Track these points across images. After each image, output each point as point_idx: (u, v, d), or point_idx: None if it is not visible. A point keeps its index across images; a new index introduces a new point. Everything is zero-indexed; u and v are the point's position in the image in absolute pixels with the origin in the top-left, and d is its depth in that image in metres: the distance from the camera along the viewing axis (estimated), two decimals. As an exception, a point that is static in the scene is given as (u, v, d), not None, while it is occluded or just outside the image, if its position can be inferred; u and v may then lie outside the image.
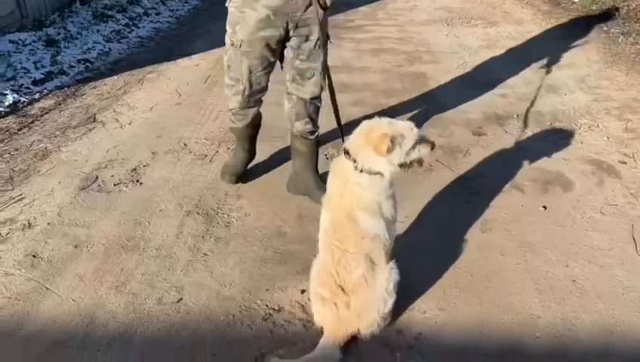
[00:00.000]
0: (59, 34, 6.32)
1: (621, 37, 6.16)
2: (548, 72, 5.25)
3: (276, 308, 2.51)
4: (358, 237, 2.21)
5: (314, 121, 3.29)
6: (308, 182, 3.32)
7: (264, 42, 2.95)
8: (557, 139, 3.96)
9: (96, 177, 3.63)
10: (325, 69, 3.12)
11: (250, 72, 3.06)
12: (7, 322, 2.46)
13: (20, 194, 3.44)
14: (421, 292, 2.55)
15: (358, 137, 2.28)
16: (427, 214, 3.13)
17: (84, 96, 5.04)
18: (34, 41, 5.96)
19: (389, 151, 2.17)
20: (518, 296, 2.51)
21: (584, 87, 4.88)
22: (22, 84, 5.08)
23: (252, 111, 3.31)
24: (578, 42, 6.13)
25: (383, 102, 4.72)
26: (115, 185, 3.53)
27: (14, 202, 3.36)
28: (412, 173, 3.47)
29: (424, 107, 4.60)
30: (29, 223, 3.15)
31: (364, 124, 2.31)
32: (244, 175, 3.53)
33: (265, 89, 3.22)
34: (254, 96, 3.20)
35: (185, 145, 4.05)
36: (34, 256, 2.87)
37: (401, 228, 3.01)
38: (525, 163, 3.64)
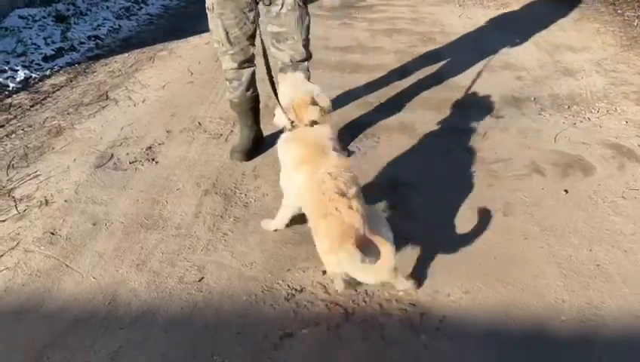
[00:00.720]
0: (68, 10, 6.25)
1: (636, 20, 6.08)
2: (563, 55, 5.19)
3: (298, 288, 2.50)
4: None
5: None
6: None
7: (233, 3, 3.07)
8: (575, 122, 3.92)
9: (112, 155, 3.60)
10: (304, 30, 3.19)
11: (227, 33, 3.17)
12: (29, 299, 2.45)
13: (36, 171, 3.41)
14: (444, 274, 2.53)
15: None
16: (447, 197, 3.10)
17: (95, 74, 4.99)
18: (44, 17, 5.90)
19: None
20: (543, 279, 2.49)
21: (601, 71, 4.82)
22: (32, 60, 5.03)
23: (245, 74, 3.36)
24: (593, 25, 6.05)
25: (396, 83, 4.66)
26: (130, 163, 3.51)
27: (30, 179, 3.34)
28: (429, 155, 3.47)
29: (439, 89, 4.54)
30: (45, 200, 3.13)
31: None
32: (254, 152, 3.55)
33: (248, 48, 3.27)
34: (240, 55, 3.26)
35: (199, 124, 4.01)
36: (52, 234, 2.86)
37: (421, 210, 2.99)
38: (544, 146, 3.61)
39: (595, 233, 2.79)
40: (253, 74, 3.41)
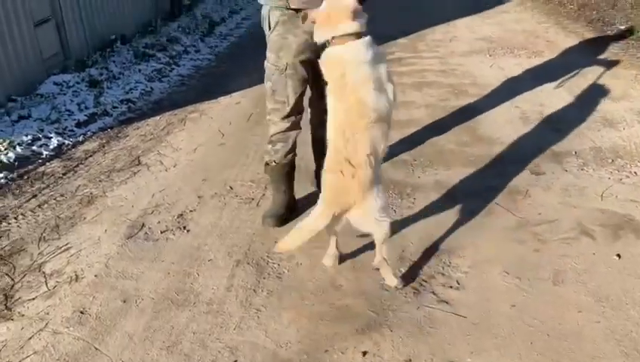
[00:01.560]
0: (101, 74, 6.37)
1: (676, 65, 5.91)
2: (602, 104, 5.03)
3: (337, 371, 2.35)
4: (365, 121, 2.51)
5: None
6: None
7: (304, 64, 3.17)
8: (621, 177, 3.74)
9: (143, 224, 3.54)
10: None
11: (295, 93, 3.24)
12: (56, 387, 2.35)
13: (67, 244, 3.37)
14: (495, 354, 2.36)
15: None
16: (492, 264, 2.94)
17: (127, 138, 5.01)
18: (77, 83, 6.01)
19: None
20: (603, 359, 2.29)
21: (643, 120, 4.65)
22: (66, 127, 5.09)
23: (293, 136, 3.39)
24: (631, 72, 5.90)
25: (430, 139, 4.55)
26: (162, 232, 3.44)
27: (61, 252, 3.29)
28: (470, 216, 3.31)
29: (475, 144, 4.42)
30: (76, 275, 3.07)
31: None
32: (287, 218, 3.46)
33: (303, 110, 3.38)
34: (295, 117, 3.34)
35: (231, 188, 3.95)
36: (82, 313, 2.77)
37: (464, 281, 2.83)
38: (591, 205, 3.43)
39: (655, 304, 2.59)
40: (297, 137, 3.45)
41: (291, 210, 3.52)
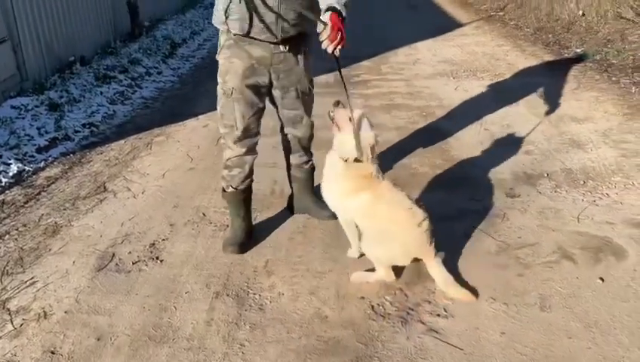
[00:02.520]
0: (61, 97, 6.15)
1: (634, 87, 6.11)
2: (567, 126, 5.14)
3: (330, 409, 2.25)
4: None
5: (307, 151, 3.61)
6: (308, 204, 3.68)
7: (252, 88, 3.14)
8: (594, 199, 3.79)
9: (113, 255, 3.39)
10: (311, 111, 3.45)
11: (243, 118, 3.18)
12: None
13: (32, 278, 3.18)
14: (489, 385, 2.31)
15: None
16: (477, 291, 2.90)
17: (91, 163, 4.83)
18: (36, 106, 5.79)
19: None
20: (598, 387, 2.27)
21: (609, 142, 4.75)
22: (26, 152, 4.87)
23: (249, 161, 3.36)
24: (591, 94, 6.06)
25: (401, 162, 4.54)
26: (133, 263, 3.29)
27: (26, 287, 3.10)
28: (450, 240, 3.28)
29: (446, 167, 4.43)
30: (44, 312, 2.89)
31: None
32: (247, 245, 3.41)
33: (257, 134, 3.34)
34: (249, 141, 3.29)
35: (204, 214, 3.83)
36: (53, 353, 2.60)
37: (451, 308, 2.78)
38: (568, 228, 3.45)
39: (642, 328, 2.59)
40: (253, 162, 3.41)
41: (250, 235, 3.49)
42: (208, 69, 8.30)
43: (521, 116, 5.51)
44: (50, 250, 3.47)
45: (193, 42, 10.06)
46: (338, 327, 2.71)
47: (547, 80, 6.70)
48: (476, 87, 6.69)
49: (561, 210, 3.67)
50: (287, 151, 3.62)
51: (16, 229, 3.72)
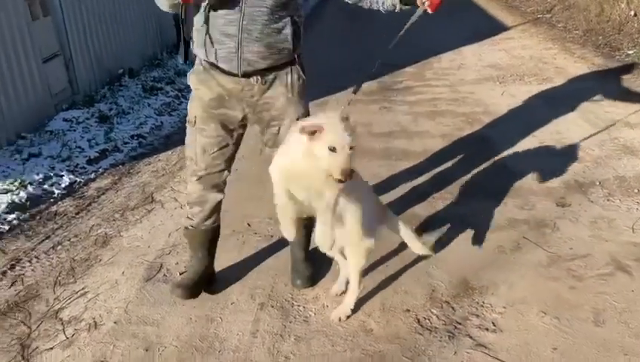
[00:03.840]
0: (111, 109, 6.33)
1: (690, 90, 5.87)
2: (620, 132, 4.97)
3: (376, 425, 2.22)
4: None
5: None
6: (293, 260, 3.22)
7: (218, 121, 2.80)
8: (650, 208, 3.65)
9: (161, 265, 3.44)
10: None
11: (204, 152, 2.84)
12: None
13: (83, 288, 3.26)
14: (541, 403, 2.24)
15: None
16: (528, 304, 2.83)
17: (139, 174, 4.93)
18: (87, 118, 5.96)
19: None
20: (658, 408, 2.17)
21: (665, 148, 4.57)
22: (77, 164, 5.02)
23: (211, 199, 2.97)
24: (644, 97, 5.85)
25: (447, 170, 4.48)
26: (180, 274, 3.33)
27: (77, 297, 3.18)
28: (499, 252, 3.21)
29: (494, 175, 4.34)
30: (95, 322, 2.95)
31: None
32: (200, 289, 3.07)
33: (222, 172, 2.94)
34: (210, 179, 2.92)
35: (249, 225, 3.85)
36: (103, 363, 2.66)
37: (500, 322, 2.71)
38: (622, 238, 3.33)
39: None
40: (219, 202, 3.03)
41: (208, 279, 3.15)
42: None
43: (571, 122, 5.35)
44: (100, 260, 3.55)
45: (237, 52, 10.17)
46: (383, 341, 2.68)
47: (598, 84, 6.51)
48: (523, 92, 6.55)
49: (614, 219, 3.55)
50: None
51: (68, 240, 3.82)
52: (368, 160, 4.86)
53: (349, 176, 2.25)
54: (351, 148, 2.26)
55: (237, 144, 2.95)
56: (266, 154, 2.96)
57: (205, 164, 2.87)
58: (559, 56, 8.17)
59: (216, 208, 3.03)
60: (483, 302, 2.87)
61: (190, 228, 3.05)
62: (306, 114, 2.86)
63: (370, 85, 7.42)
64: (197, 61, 2.81)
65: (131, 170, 5.03)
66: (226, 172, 2.97)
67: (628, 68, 7.03)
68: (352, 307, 2.84)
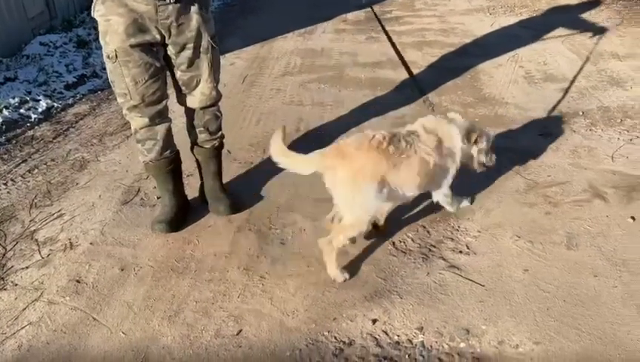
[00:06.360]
0: (89, 34, 6.14)
1: (682, 22, 5.76)
2: (607, 63, 4.90)
3: (346, 341, 2.26)
4: None
5: (210, 130, 3.07)
6: (207, 191, 3.18)
7: (140, 48, 2.65)
8: (631, 138, 3.64)
9: (139, 189, 3.42)
10: (216, 72, 2.93)
11: (136, 83, 2.70)
12: (54, 359, 2.24)
13: (60, 210, 3.24)
14: (510, 320, 2.27)
15: None
16: (503, 228, 2.84)
17: (118, 100, 4.83)
18: (65, 43, 5.79)
19: None
20: (623, 326, 2.21)
21: (651, 79, 4.52)
22: (55, 89, 4.91)
23: (160, 130, 2.89)
24: (635, 29, 5.75)
25: (435, 101, 4.41)
26: (158, 197, 3.31)
27: (54, 219, 3.16)
28: (478, 177, 3.19)
29: (480, 105, 4.29)
30: (70, 243, 2.94)
31: None
32: (181, 222, 3.04)
33: (163, 98, 2.84)
34: (151, 108, 2.81)
35: (229, 151, 3.80)
36: (78, 282, 2.66)
37: (474, 245, 2.73)
38: (602, 166, 3.33)
39: (673, 267, 2.50)
40: (169, 130, 2.94)
41: (184, 211, 3.11)
42: (237, 6, 8.16)
43: (559, 53, 5.27)
44: (77, 184, 3.52)
45: (223, -20, 9.83)
46: (359, 262, 2.69)
47: (589, 15, 6.39)
48: (514, 23, 6.42)
49: (595, 148, 3.54)
50: (188, 130, 3.11)
51: (45, 164, 3.77)
52: (353, 89, 4.79)
53: None
54: None
55: (165, 65, 2.81)
56: (179, 79, 2.86)
57: (141, 96, 2.74)
58: (552, -13, 7.96)
59: (169, 136, 2.96)
60: (458, 227, 2.88)
61: (150, 162, 2.97)
62: (214, 30, 2.83)
63: (357, 15, 7.26)
64: None
65: (110, 96, 4.91)
66: (164, 99, 2.86)
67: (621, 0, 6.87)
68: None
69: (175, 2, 2.60)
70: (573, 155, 3.47)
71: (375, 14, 2.78)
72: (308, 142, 3.85)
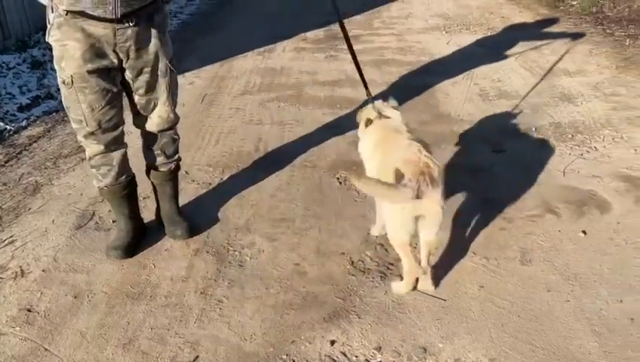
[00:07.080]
0: (44, 55, 6.02)
1: (628, 40, 5.99)
2: (559, 80, 5.05)
3: (305, 363, 2.25)
4: None
5: (166, 153, 3.04)
6: (163, 214, 3.15)
7: (97, 74, 2.60)
8: (582, 153, 3.74)
9: (93, 213, 3.35)
10: (174, 96, 2.91)
11: (93, 110, 2.65)
12: (2, 393, 2.17)
13: (11, 236, 3.15)
14: (465, 337, 2.30)
15: None
16: (458, 244, 2.88)
17: (74, 122, 4.74)
18: (18, 64, 5.67)
19: None
20: (575, 339, 2.26)
21: (600, 95, 4.67)
22: (7, 111, 4.79)
23: (116, 157, 2.85)
24: (585, 47, 5.94)
25: (391, 118, 4.46)
26: (113, 221, 3.24)
27: (4, 245, 3.07)
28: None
29: (435, 122, 4.36)
30: (21, 270, 2.86)
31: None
32: (136, 247, 2.99)
33: (119, 125, 2.80)
34: (107, 135, 2.76)
35: (186, 172, 3.77)
36: (29, 311, 2.58)
37: (432, 261, 2.76)
38: (554, 181, 3.41)
39: (623, 280, 2.57)
40: (125, 155, 2.90)
41: (141, 235, 3.07)
42: (196, 25, 8.13)
43: (512, 70, 5.41)
44: (29, 208, 3.43)
45: (181, -2, 9.81)
46: (317, 283, 2.69)
47: (541, 33, 6.58)
48: (469, 41, 6.56)
49: (547, 163, 3.63)
50: (144, 148, 3.07)
51: (-4, 188, 3.67)
52: (312, 108, 4.81)
53: None
54: None
55: (122, 90, 2.77)
56: (137, 102, 2.81)
57: (97, 122, 2.69)
58: (506, 6, 8.20)
59: (125, 161, 2.91)
60: (416, 244, 2.90)
61: (105, 188, 2.91)
62: (172, 53, 2.81)
63: (317, 33, 7.32)
64: (53, 15, 2.54)
65: (65, 118, 4.79)
66: (120, 126, 2.81)
67: (571, 18, 7.11)
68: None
69: (134, 25, 2.56)
70: (526, 171, 3.55)
71: (344, 30, 2.79)
72: (267, 162, 3.85)
